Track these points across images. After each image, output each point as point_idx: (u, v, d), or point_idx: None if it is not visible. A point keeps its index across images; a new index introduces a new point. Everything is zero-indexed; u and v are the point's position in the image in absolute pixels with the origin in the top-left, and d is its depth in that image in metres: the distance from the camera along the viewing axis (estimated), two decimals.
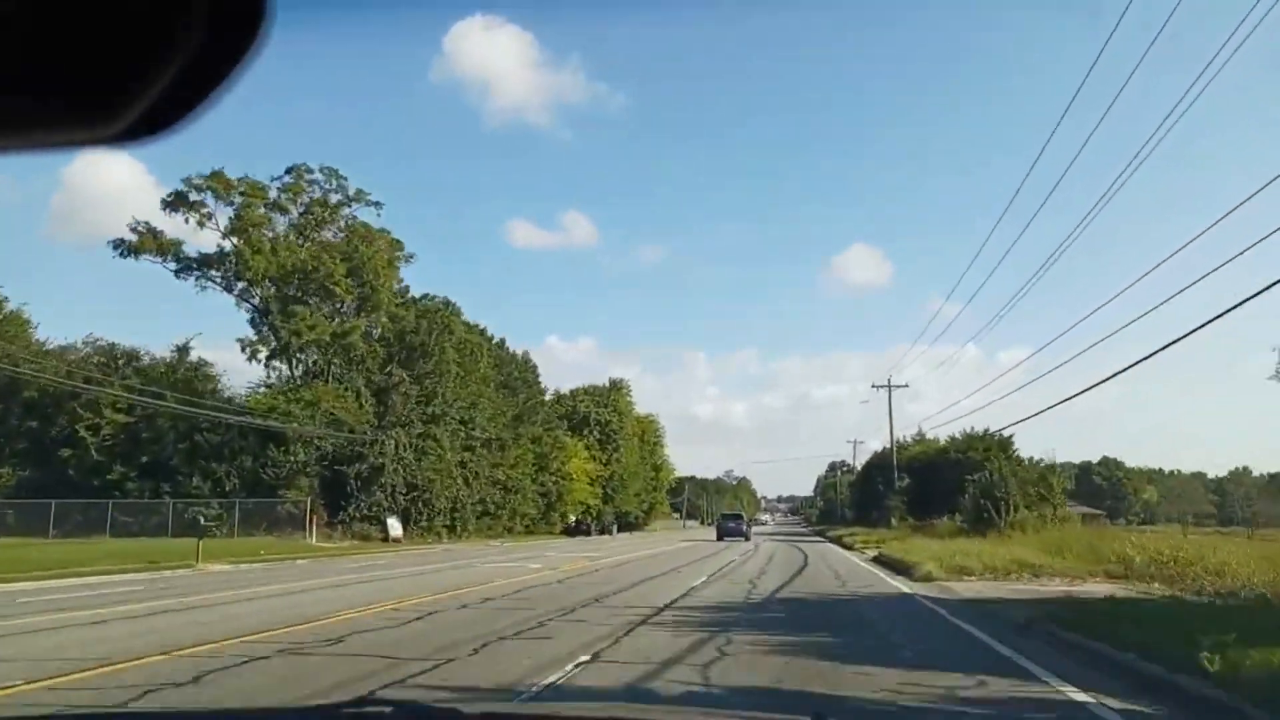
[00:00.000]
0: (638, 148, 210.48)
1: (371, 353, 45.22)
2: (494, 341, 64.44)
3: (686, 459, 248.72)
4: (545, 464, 63.66)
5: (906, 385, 57.92)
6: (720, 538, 51.09)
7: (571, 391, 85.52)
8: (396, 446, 40.86)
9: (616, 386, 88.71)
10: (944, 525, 39.17)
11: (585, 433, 79.51)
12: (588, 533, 75.18)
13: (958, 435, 51.56)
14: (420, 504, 42.33)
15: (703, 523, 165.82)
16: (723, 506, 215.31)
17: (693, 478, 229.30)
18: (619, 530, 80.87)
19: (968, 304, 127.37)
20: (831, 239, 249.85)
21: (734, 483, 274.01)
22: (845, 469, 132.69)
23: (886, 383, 64.00)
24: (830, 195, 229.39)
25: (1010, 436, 46.34)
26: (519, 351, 68.90)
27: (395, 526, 40.50)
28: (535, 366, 70.31)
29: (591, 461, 75.53)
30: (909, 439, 66.99)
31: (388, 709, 1.93)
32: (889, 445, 65.06)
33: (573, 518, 72.20)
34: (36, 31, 0.77)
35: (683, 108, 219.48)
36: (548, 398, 78.79)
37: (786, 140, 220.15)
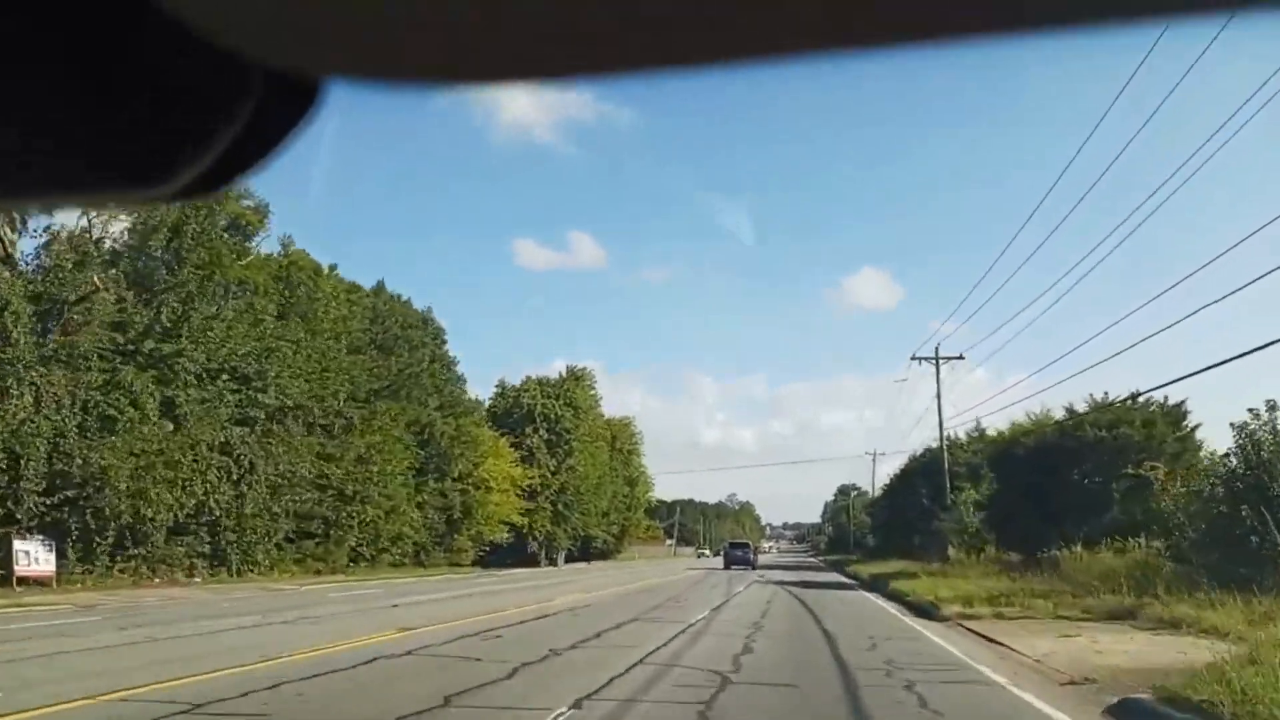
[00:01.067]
0: (645, 165, 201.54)
1: None
2: (379, 295, 45.64)
3: (689, 485, 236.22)
4: (443, 465, 44.39)
5: (961, 357, 39.54)
6: (727, 566, 51.65)
7: (520, 384, 66.31)
8: (38, 400, 21.80)
9: (575, 376, 69.41)
10: (1106, 560, 19.70)
11: (528, 431, 60.23)
12: (535, 562, 56.01)
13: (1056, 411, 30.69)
14: (91, 515, 23.35)
15: (699, 550, 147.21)
16: (722, 532, 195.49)
17: (690, 500, 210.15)
18: (570, 560, 61.59)
19: (1017, 270, 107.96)
20: (841, 261, 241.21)
21: (736, 507, 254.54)
22: (857, 492, 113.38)
23: (934, 354, 44.69)
24: (841, 216, 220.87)
25: (1180, 405, 26.56)
26: (420, 309, 49.78)
27: (38, 556, 21.62)
28: (441, 330, 51.31)
29: (528, 466, 56.03)
30: (961, 436, 47.46)
31: None
32: (936, 440, 45.52)
33: (502, 538, 52.63)
34: (98, 100, 0.81)
35: (691, 126, 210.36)
36: (493, 390, 60.38)
37: (799, 158, 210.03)
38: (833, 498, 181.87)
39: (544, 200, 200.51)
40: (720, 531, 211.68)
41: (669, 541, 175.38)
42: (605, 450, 69.38)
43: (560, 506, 60.91)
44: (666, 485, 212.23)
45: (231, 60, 0.69)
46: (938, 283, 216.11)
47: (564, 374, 69.17)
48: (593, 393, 70.01)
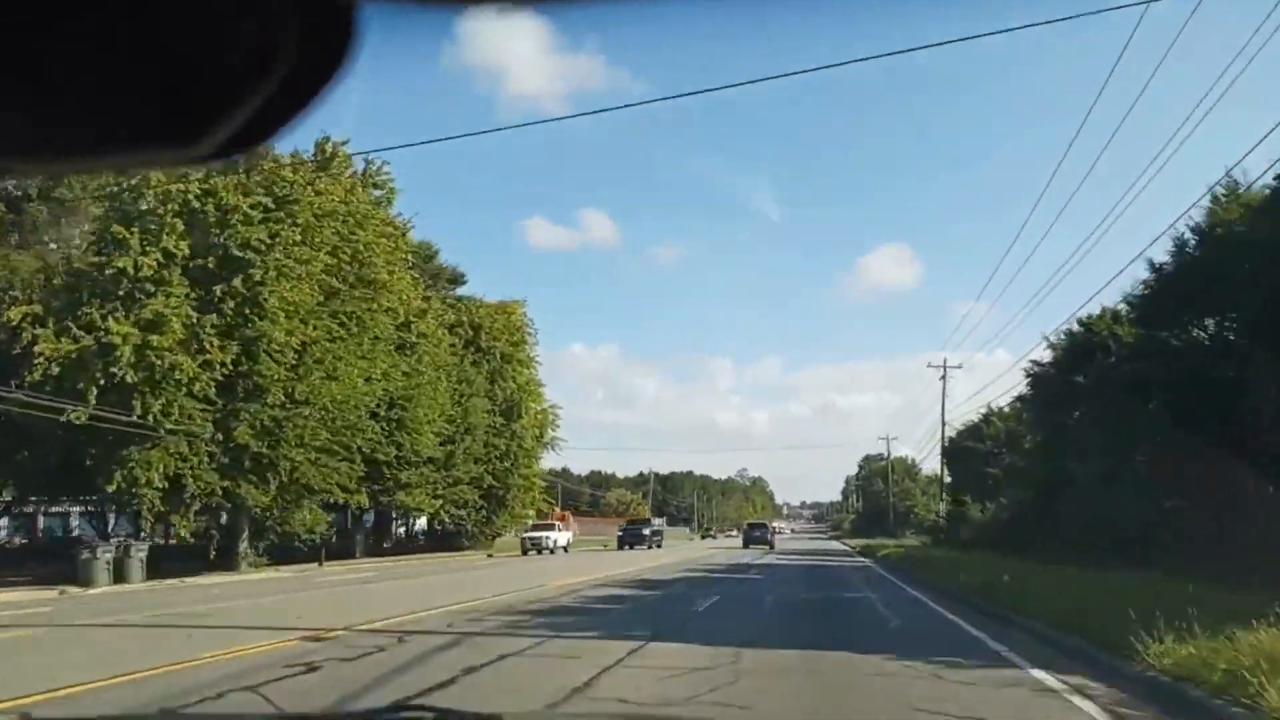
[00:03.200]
0: (657, 139, 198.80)
1: None
2: None
3: (704, 465, 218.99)
4: None
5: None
6: (746, 545, 52.17)
7: None
8: None
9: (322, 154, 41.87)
10: None
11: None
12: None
13: None
14: None
15: (706, 530, 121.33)
16: (728, 511, 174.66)
17: (689, 474, 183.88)
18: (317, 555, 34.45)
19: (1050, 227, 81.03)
20: (860, 238, 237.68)
21: (747, 483, 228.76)
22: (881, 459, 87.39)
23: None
24: (860, 191, 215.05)
25: None
26: None
27: None
28: None
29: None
30: None
31: (429, 715, 1.92)
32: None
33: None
34: (131, 59, 0.79)
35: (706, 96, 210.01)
36: None
37: (817, 129, 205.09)
38: (857, 469, 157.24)
39: (555, 176, 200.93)
40: (725, 510, 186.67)
41: (658, 521, 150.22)
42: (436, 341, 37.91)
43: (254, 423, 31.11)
44: (674, 462, 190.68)
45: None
46: (960, 256, 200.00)
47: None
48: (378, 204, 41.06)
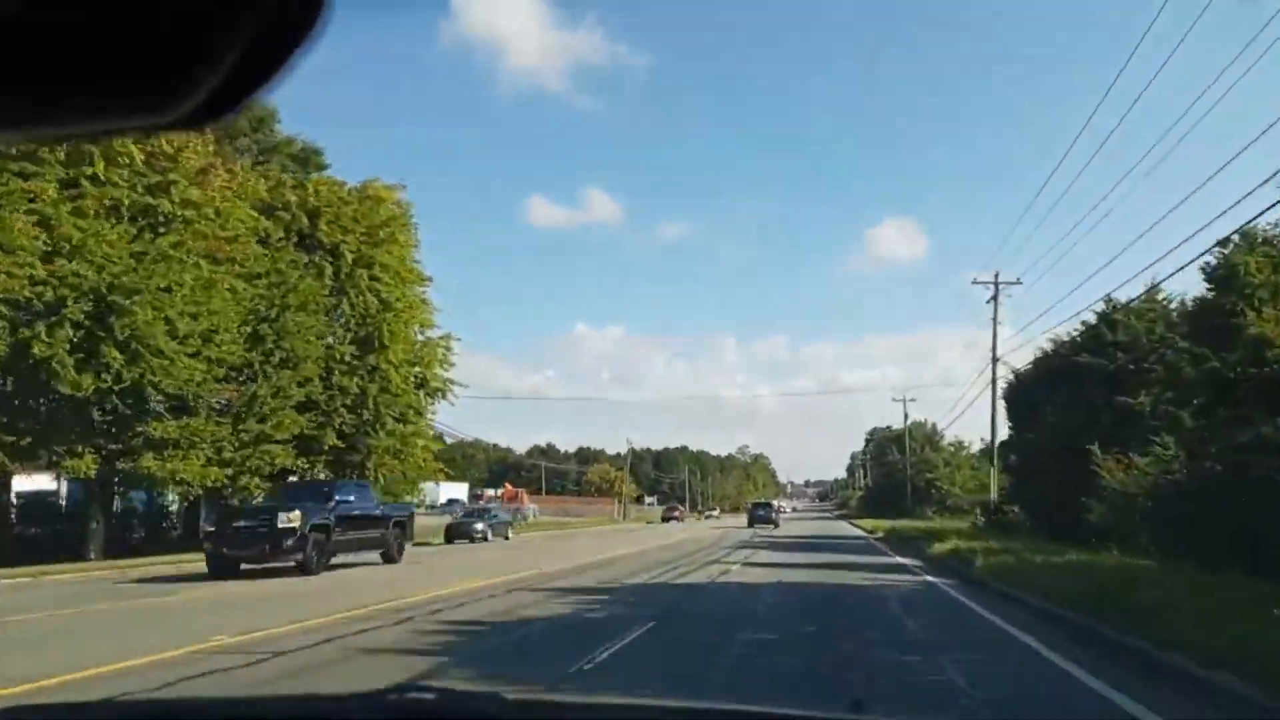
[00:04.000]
0: (661, 115, 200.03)
1: None
2: None
3: (706, 443, 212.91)
4: None
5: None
6: (751, 524, 52.05)
7: None
8: None
9: None
10: None
11: None
12: None
13: None
14: None
15: (706, 512, 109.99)
16: (727, 489, 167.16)
17: (683, 448, 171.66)
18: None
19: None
20: (865, 211, 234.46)
21: (748, 460, 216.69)
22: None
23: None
24: (865, 164, 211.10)
25: None
26: None
27: None
28: None
29: None
30: None
31: (430, 695, 1.92)
32: None
33: None
34: (98, 23, 0.77)
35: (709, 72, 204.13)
36: None
37: (822, 102, 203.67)
38: (864, 443, 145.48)
39: (557, 155, 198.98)
40: (725, 488, 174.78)
41: (649, 500, 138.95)
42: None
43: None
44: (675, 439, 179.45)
45: None
46: (968, 230, 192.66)
47: None
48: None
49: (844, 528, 52.66)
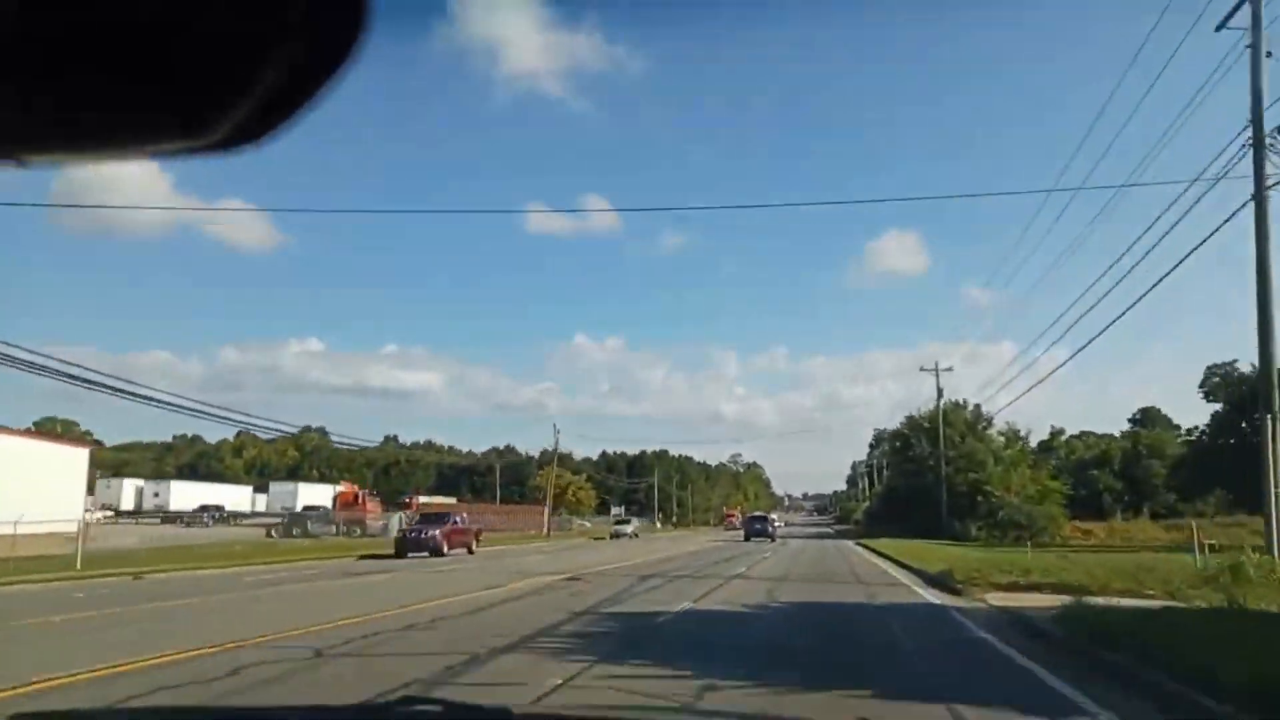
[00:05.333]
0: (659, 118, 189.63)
1: None
2: None
3: (706, 456, 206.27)
4: None
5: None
6: (748, 538, 51.11)
7: None
8: None
9: None
10: None
11: None
12: None
13: None
14: None
15: (673, 521, 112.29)
16: (714, 499, 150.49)
17: (664, 453, 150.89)
18: None
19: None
20: (866, 224, 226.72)
21: (739, 469, 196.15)
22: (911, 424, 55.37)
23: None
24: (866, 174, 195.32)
25: None
26: None
27: None
28: None
29: None
30: None
31: (438, 708, 1.91)
32: None
33: None
34: (136, 46, 0.78)
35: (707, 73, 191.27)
36: None
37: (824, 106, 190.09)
38: (870, 447, 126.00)
39: (555, 162, 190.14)
40: (710, 498, 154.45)
41: (616, 510, 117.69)
42: None
43: None
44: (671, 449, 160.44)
45: None
46: (970, 244, 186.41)
47: None
48: None
49: (850, 556, 32.45)
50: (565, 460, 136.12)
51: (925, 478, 49.60)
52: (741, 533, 55.94)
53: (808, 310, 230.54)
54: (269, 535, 39.82)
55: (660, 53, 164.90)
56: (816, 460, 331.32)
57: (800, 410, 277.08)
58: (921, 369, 48.38)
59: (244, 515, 41.49)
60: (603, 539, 54.25)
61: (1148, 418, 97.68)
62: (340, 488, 42.98)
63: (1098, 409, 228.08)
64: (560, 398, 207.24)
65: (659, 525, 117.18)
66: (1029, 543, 45.63)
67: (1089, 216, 78.11)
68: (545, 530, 54.66)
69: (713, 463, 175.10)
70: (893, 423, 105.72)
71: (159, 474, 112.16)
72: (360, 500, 39.76)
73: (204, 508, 55.20)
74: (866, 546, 39.77)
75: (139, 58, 0.75)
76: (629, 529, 57.09)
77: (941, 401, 48.78)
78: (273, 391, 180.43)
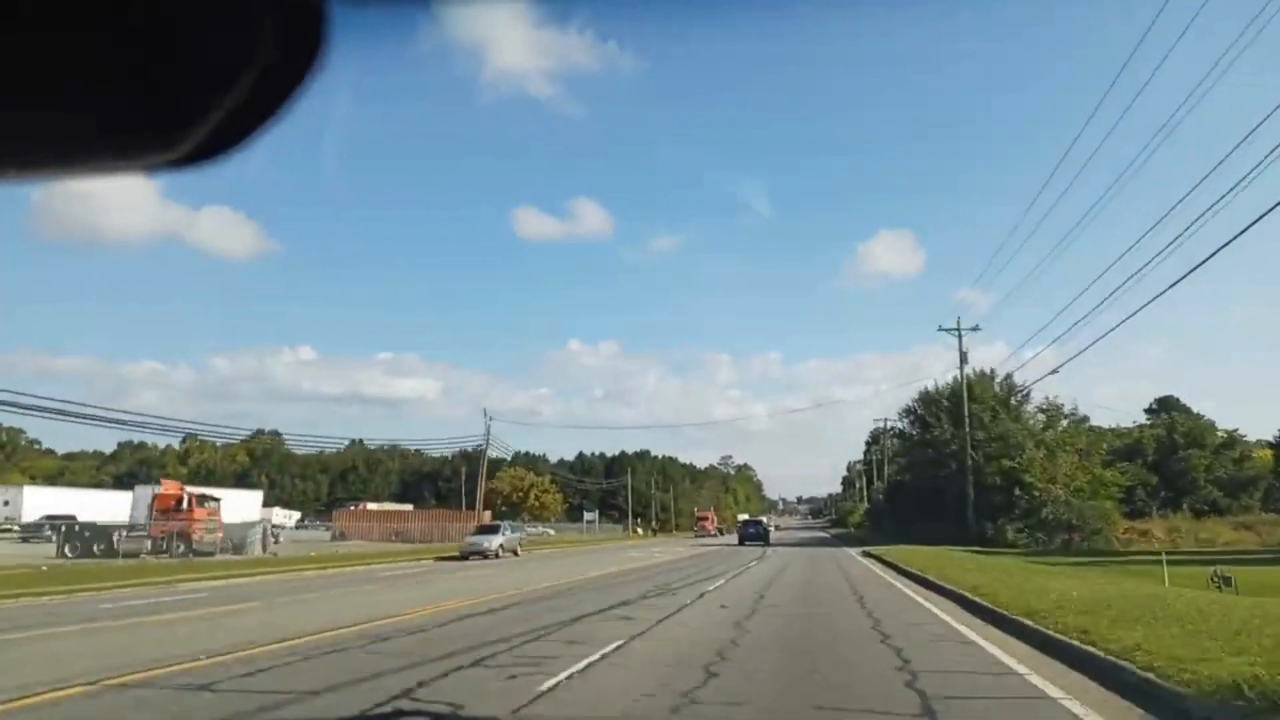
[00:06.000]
0: (650, 123, 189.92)
1: None
2: None
3: (699, 460, 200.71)
4: None
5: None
6: (742, 542, 51.50)
7: None
8: None
9: None
10: None
11: None
12: None
13: None
14: None
15: (653, 527, 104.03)
16: (697, 501, 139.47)
17: (644, 452, 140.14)
18: None
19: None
20: (858, 225, 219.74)
21: (729, 471, 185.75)
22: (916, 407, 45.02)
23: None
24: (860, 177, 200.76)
25: None
26: None
27: None
28: None
29: None
30: None
31: (426, 718, 1.54)
32: None
33: None
34: (99, 59, 0.77)
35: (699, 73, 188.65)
36: None
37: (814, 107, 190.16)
38: (867, 445, 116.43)
39: (545, 165, 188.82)
40: (696, 501, 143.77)
41: (590, 516, 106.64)
42: None
43: None
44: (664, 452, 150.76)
45: None
46: (964, 243, 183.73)
47: None
48: None
49: (854, 576, 21.90)
50: (539, 462, 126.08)
51: (946, 468, 39.25)
52: (708, 541, 49.01)
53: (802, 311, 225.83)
54: (63, 555, 29.32)
55: (655, 51, 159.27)
56: (810, 464, 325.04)
57: (794, 413, 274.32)
58: (940, 329, 38.34)
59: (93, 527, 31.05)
60: (545, 552, 43.73)
61: (1165, 406, 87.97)
62: (160, 488, 32.47)
63: (1106, 399, 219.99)
64: (554, 403, 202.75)
65: (640, 531, 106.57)
66: (1083, 547, 35.37)
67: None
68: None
69: (703, 466, 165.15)
70: (894, 418, 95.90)
71: (97, 483, 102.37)
72: (187, 504, 29.07)
73: (51, 518, 44.66)
74: (875, 557, 29.31)
75: (107, 74, 0.74)
76: (493, 543, 34.96)
77: (966, 370, 38.52)
78: (265, 401, 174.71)
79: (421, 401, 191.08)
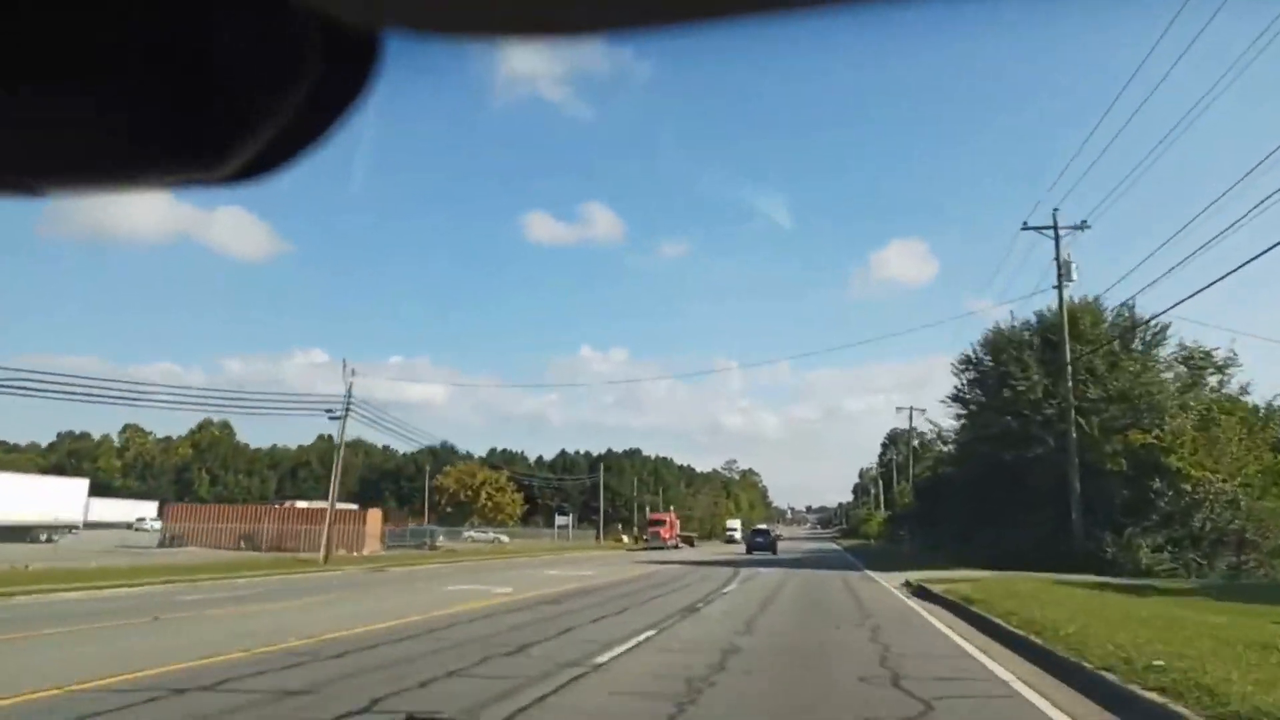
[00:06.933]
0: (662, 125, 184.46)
1: None
2: None
3: (699, 462, 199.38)
4: None
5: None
6: (749, 551, 51.09)
7: None
8: None
9: None
10: None
11: None
12: None
13: None
14: None
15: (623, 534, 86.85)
16: (697, 508, 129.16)
17: (636, 451, 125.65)
18: None
19: None
20: (870, 234, 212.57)
21: (733, 476, 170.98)
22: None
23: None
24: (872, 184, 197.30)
25: None
26: None
27: None
28: None
29: None
30: None
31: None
32: None
33: None
34: (151, 79, 0.78)
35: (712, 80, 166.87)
36: None
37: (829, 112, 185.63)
38: (883, 447, 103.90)
39: (556, 169, 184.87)
40: (695, 507, 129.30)
41: (562, 521, 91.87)
42: None
43: None
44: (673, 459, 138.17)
45: (286, 12, 0.69)
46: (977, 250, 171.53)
47: None
48: None
49: (909, 646, 8.49)
50: (516, 460, 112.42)
51: (1032, 445, 24.61)
52: (665, 556, 43.19)
53: (814, 320, 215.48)
54: None
55: (670, 58, 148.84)
56: (819, 473, 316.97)
57: (803, 422, 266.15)
58: (1026, 226, 23.99)
59: None
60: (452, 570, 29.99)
61: None
62: None
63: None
64: (563, 409, 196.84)
65: (625, 539, 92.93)
66: (1259, 577, 21.37)
67: None
68: (324, 552, 30.63)
69: (705, 470, 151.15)
70: (898, 420, 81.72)
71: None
72: None
73: None
74: (937, 599, 15.30)
75: (154, 91, 0.74)
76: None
77: (1065, 295, 23.94)
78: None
79: (428, 405, 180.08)
